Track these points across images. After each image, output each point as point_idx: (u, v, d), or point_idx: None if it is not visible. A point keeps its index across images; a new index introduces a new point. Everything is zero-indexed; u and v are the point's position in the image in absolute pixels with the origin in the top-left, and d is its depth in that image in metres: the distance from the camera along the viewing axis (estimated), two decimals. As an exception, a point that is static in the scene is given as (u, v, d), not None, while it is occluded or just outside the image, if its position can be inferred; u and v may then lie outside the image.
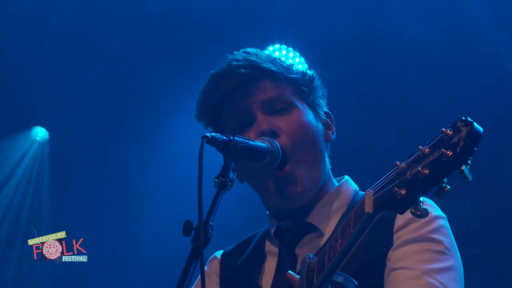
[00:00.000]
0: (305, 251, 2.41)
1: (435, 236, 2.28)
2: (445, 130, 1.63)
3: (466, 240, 6.76)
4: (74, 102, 7.57)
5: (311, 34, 6.86)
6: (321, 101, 2.62)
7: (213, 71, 2.57)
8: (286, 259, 2.43)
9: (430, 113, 6.90)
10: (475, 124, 1.59)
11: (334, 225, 2.44)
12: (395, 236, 2.30)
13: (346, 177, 2.61)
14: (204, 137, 2.16)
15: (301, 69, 2.61)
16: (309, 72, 2.63)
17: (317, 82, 2.63)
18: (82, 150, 7.74)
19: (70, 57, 7.34)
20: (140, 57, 7.36)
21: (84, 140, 7.70)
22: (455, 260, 2.29)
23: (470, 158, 1.59)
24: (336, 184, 2.56)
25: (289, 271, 2.11)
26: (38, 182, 7.96)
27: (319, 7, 6.84)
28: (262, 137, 2.38)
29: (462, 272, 2.31)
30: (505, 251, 6.88)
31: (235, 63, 2.52)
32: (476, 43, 6.80)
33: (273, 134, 2.42)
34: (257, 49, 2.61)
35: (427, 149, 1.66)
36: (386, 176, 1.77)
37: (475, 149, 1.57)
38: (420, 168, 1.64)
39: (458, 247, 2.35)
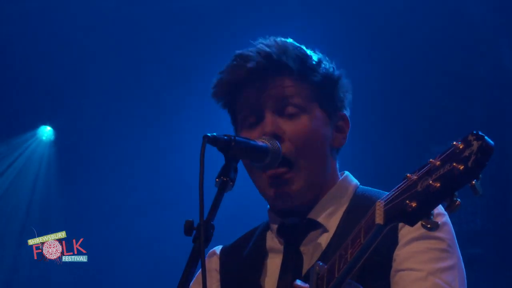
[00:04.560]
0: (310, 249, 2.41)
1: (437, 234, 2.28)
2: (456, 143, 1.63)
3: (466, 240, 6.75)
4: (80, 102, 7.58)
5: (311, 33, 6.86)
6: (339, 103, 2.55)
7: (237, 53, 2.51)
8: (292, 258, 2.42)
9: (429, 112, 6.90)
10: (486, 138, 1.59)
11: (338, 220, 2.43)
12: (400, 234, 2.29)
13: (346, 172, 2.59)
14: (205, 137, 2.15)
15: (327, 69, 2.53)
16: (335, 73, 2.55)
17: (342, 83, 2.56)
18: (84, 151, 7.75)
19: (76, 57, 7.36)
20: (146, 57, 7.37)
21: (87, 141, 7.71)
22: (457, 257, 2.30)
23: (481, 172, 1.59)
24: (339, 178, 2.56)
25: (297, 281, 2.11)
26: (41, 181, 7.96)
27: (322, 6, 6.85)
28: (263, 137, 2.37)
29: (464, 268, 2.31)
30: (506, 251, 6.88)
31: (258, 51, 2.46)
32: (476, 43, 6.80)
33: (276, 137, 2.41)
34: (287, 40, 2.55)
35: (438, 162, 1.66)
36: (397, 188, 1.77)
37: (487, 163, 1.58)
38: (431, 181, 1.64)
39: (459, 247, 2.35)
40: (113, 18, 7.17)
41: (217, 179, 2.18)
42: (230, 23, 6.93)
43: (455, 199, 1.65)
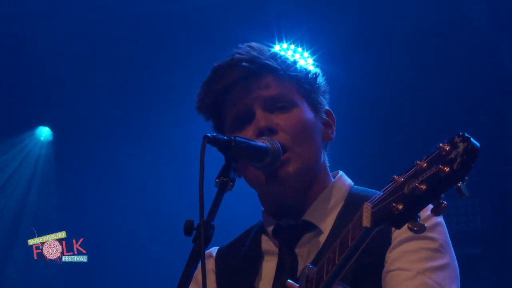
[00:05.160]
0: (305, 250, 2.40)
1: (430, 234, 2.25)
2: (443, 145, 1.62)
3: (466, 240, 6.76)
4: (78, 103, 7.58)
5: (311, 33, 6.87)
6: (323, 99, 2.57)
7: (215, 64, 2.51)
8: (287, 260, 2.41)
9: (428, 112, 6.91)
10: (472, 140, 1.58)
11: (332, 221, 2.41)
12: (393, 236, 2.28)
13: (341, 172, 2.58)
14: (206, 137, 2.15)
15: (304, 67, 2.56)
16: (313, 70, 2.58)
17: (320, 80, 2.58)
18: (83, 151, 7.75)
19: (74, 57, 7.35)
20: (144, 57, 7.37)
21: (86, 141, 7.71)
22: (450, 257, 2.27)
23: (467, 174, 1.58)
24: (332, 180, 2.56)
25: (288, 280, 2.11)
26: (40, 182, 7.97)
27: (320, 6, 6.85)
28: (263, 137, 2.37)
29: (457, 269, 2.29)
30: (506, 251, 6.88)
31: (237, 56, 2.47)
32: (476, 43, 6.81)
33: (271, 131, 2.41)
34: (261, 44, 2.56)
35: (425, 164, 1.65)
36: (384, 190, 1.76)
37: (472, 165, 1.56)
38: (418, 183, 1.63)
39: (458, 247, 2.34)
40: (112, 19, 7.17)
41: (217, 179, 2.17)
42: (231, 21, 6.93)
43: (441, 201, 1.63)
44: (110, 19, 7.16)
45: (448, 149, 1.60)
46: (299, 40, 6.87)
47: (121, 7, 7.10)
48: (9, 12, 7.10)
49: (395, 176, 1.73)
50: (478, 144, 1.57)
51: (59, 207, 7.86)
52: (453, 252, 2.29)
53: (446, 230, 2.31)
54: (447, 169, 1.58)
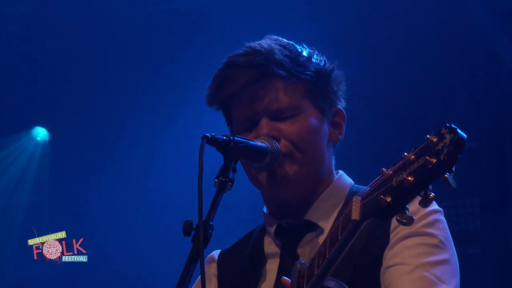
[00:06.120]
0: (307, 250, 2.41)
1: (429, 230, 2.28)
2: (430, 136, 1.65)
3: (466, 240, 6.76)
4: (75, 103, 7.58)
5: (311, 34, 6.86)
6: (334, 98, 2.54)
7: (226, 60, 2.51)
8: (288, 261, 2.41)
9: (428, 112, 6.90)
10: (458, 130, 1.60)
11: (333, 220, 2.42)
12: (392, 234, 2.29)
13: (340, 171, 2.60)
14: (204, 137, 2.17)
15: (317, 65, 2.52)
16: (326, 66, 2.54)
17: (334, 76, 2.55)
18: (82, 151, 7.75)
19: (71, 57, 7.35)
20: (142, 57, 7.37)
21: (85, 141, 7.71)
22: (450, 253, 2.28)
23: (454, 165, 1.60)
24: (335, 177, 2.56)
25: (283, 277, 2.11)
26: (38, 182, 7.96)
27: (320, 7, 6.85)
28: (262, 137, 2.38)
29: (458, 265, 2.30)
30: (505, 251, 6.88)
31: (247, 58, 2.46)
32: (476, 43, 6.81)
33: (273, 138, 2.42)
34: (275, 41, 2.54)
35: (412, 156, 1.68)
36: (373, 183, 1.78)
37: (459, 156, 1.58)
38: (405, 175, 1.66)
39: (458, 247, 2.34)
40: (109, 19, 7.17)
41: (216, 179, 2.19)
42: (229, 22, 6.93)
43: (429, 192, 1.65)
44: (109, 19, 7.16)
45: (435, 140, 1.63)
46: (296, 40, 6.87)
47: (119, 7, 7.10)
48: (7, 12, 7.11)
49: (383, 169, 1.75)
50: (464, 135, 1.59)
51: (59, 207, 7.86)
52: (454, 248, 2.30)
53: (447, 227, 2.32)
54: (434, 161, 1.60)
